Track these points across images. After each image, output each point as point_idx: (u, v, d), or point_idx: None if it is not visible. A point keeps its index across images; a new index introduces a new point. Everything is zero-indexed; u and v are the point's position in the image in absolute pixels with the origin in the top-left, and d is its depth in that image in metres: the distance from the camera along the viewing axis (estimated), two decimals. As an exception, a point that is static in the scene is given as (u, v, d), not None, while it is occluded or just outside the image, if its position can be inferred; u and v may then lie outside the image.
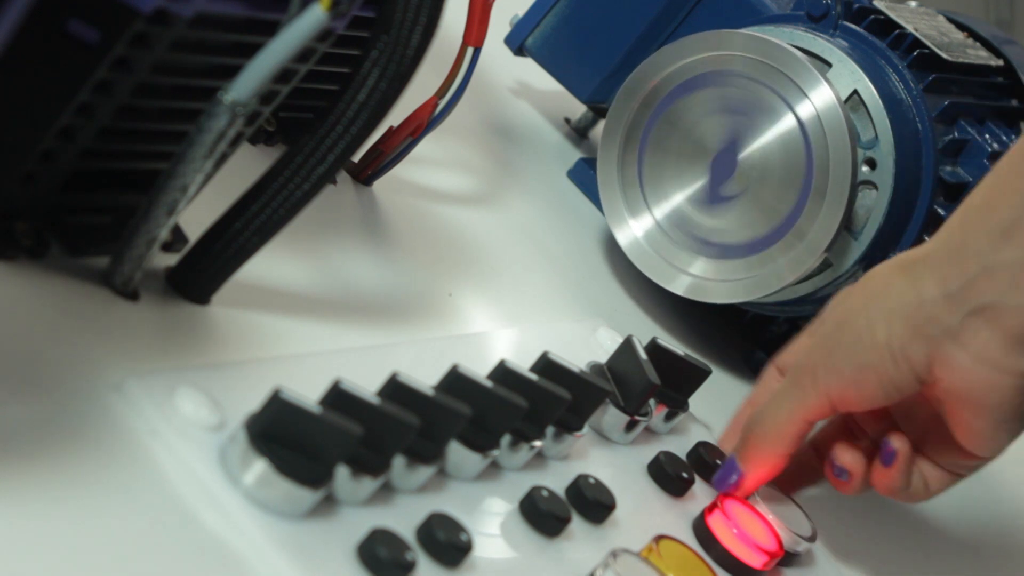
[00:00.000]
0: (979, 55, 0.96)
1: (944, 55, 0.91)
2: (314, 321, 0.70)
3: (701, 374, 0.79)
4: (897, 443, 0.73)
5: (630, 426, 0.74)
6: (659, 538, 0.67)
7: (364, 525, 0.57)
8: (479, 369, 0.64)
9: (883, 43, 0.91)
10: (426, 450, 0.61)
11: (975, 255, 0.67)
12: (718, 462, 0.76)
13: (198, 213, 0.63)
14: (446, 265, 0.83)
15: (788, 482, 0.76)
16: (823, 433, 0.78)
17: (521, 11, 1.02)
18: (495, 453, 0.64)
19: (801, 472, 0.77)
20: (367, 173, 0.84)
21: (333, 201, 0.80)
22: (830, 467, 0.75)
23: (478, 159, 0.97)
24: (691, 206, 0.90)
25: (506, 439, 0.65)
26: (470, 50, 0.80)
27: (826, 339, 0.71)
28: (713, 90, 0.88)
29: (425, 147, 0.83)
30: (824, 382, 0.71)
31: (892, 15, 0.92)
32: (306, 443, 0.55)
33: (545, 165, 1.02)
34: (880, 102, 0.87)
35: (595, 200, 0.97)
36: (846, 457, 0.74)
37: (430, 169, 0.91)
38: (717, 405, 0.86)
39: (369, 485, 0.58)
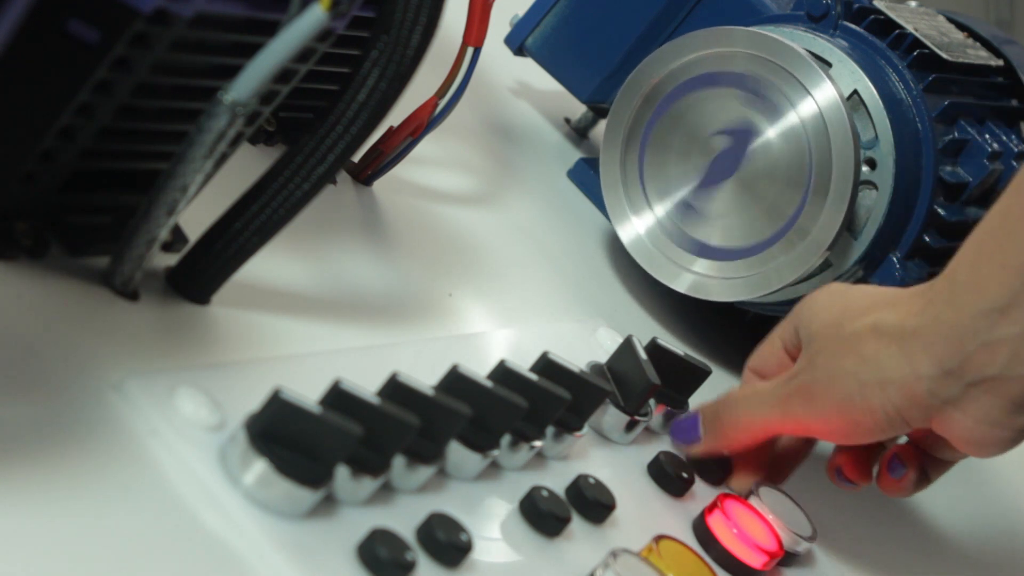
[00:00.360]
0: (979, 55, 0.96)
1: (944, 55, 0.91)
2: (314, 321, 0.70)
3: (701, 374, 0.79)
4: (907, 459, 0.75)
5: (630, 426, 0.74)
6: (659, 538, 0.67)
7: (364, 525, 0.57)
8: (479, 369, 0.64)
9: (883, 43, 0.91)
10: (426, 450, 0.61)
11: (971, 334, 0.67)
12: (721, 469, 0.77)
13: (198, 213, 0.63)
14: (446, 265, 0.83)
15: (777, 472, 0.78)
16: None
17: (521, 11, 1.02)
18: (495, 453, 0.64)
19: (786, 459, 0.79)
20: (367, 173, 0.84)
21: (333, 201, 0.80)
22: (834, 472, 0.77)
23: (478, 159, 0.97)
24: (694, 204, 0.89)
25: (506, 439, 0.65)
26: (470, 50, 0.80)
27: (815, 386, 0.72)
28: (715, 87, 0.88)
29: (425, 147, 0.83)
30: (811, 420, 0.72)
31: (892, 15, 0.91)
32: (306, 443, 0.55)
33: (545, 165, 1.02)
34: (880, 102, 0.87)
35: (595, 200, 0.97)
36: (854, 472, 0.76)
37: (430, 169, 0.91)
38: (717, 405, 0.86)
39: (369, 485, 0.58)
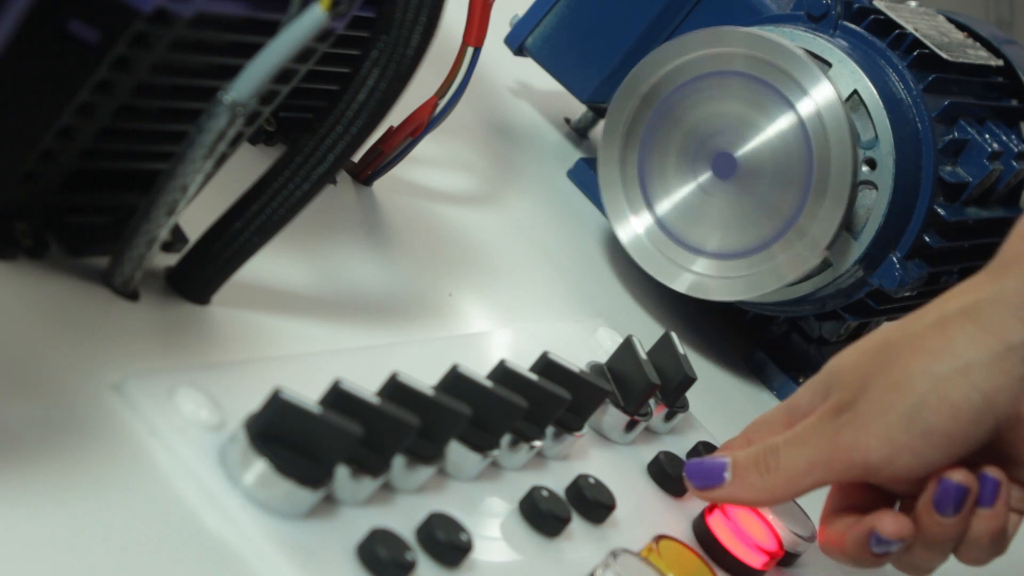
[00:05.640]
0: (979, 55, 0.96)
1: (944, 55, 0.91)
2: (314, 321, 0.70)
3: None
4: (995, 472, 0.65)
5: (630, 426, 0.74)
6: (659, 538, 0.67)
7: (364, 525, 0.57)
8: (479, 369, 0.64)
9: (883, 43, 0.91)
10: (426, 450, 0.61)
11: None
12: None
13: (198, 213, 0.63)
14: (446, 265, 0.83)
15: None
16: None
17: (521, 11, 1.02)
18: (495, 453, 0.64)
19: None
20: (367, 173, 0.84)
21: (333, 201, 0.80)
22: (865, 538, 0.67)
23: (478, 159, 0.97)
24: (693, 203, 0.89)
25: (506, 439, 0.65)
26: (470, 50, 0.80)
27: (867, 409, 0.64)
28: (714, 87, 0.88)
29: (425, 147, 0.83)
30: (868, 450, 0.64)
31: (892, 15, 0.92)
32: (306, 443, 0.55)
33: (545, 165, 1.02)
34: (880, 102, 0.87)
35: (595, 200, 0.97)
36: (891, 525, 0.66)
37: (430, 169, 0.91)
38: (717, 405, 0.86)
39: (369, 485, 0.58)
